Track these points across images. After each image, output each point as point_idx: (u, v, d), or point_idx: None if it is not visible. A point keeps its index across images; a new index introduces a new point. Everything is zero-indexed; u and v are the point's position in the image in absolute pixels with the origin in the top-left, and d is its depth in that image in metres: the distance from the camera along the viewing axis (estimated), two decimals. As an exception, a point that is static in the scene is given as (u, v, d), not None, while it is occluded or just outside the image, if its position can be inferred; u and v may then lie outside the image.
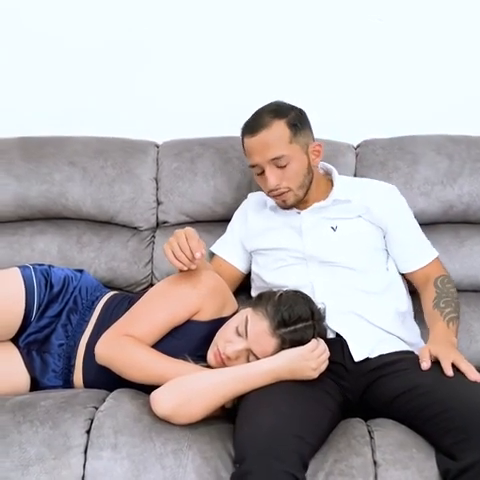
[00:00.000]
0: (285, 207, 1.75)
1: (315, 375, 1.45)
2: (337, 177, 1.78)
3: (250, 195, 1.89)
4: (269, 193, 1.72)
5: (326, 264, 1.68)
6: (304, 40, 2.15)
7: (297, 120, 1.68)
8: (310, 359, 1.44)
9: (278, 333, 1.47)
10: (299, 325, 1.48)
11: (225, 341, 1.51)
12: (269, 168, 1.66)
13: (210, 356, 1.53)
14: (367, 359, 1.57)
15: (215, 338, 1.55)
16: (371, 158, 1.95)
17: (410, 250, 1.74)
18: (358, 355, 1.56)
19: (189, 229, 1.60)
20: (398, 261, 1.74)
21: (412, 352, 1.63)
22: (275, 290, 1.56)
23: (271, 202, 1.79)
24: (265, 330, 1.48)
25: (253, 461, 1.26)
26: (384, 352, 1.58)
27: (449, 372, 1.43)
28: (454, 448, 1.32)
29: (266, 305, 1.50)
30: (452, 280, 1.70)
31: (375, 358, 1.57)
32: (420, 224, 1.87)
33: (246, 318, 1.50)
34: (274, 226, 1.77)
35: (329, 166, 1.82)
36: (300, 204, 1.75)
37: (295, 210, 1.76)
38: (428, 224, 1.93)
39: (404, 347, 1.63)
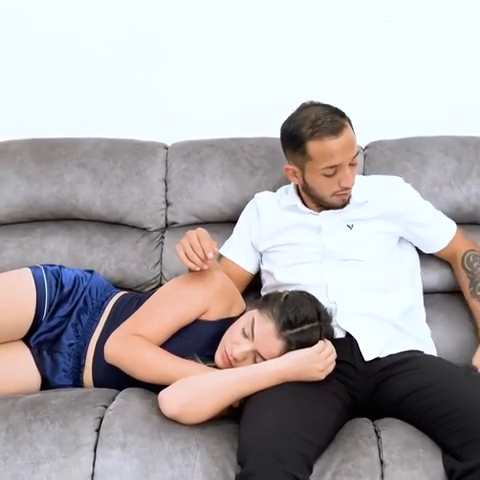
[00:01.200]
0: (343, 205, 1.74)
1: (322, 377, 1.46)
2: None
3: (257, 196, 1.88)
4: (339, 192, 1.70)
5: (342, 261, 1.70)
6: (311, 42, 2.15)
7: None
8: (317, 361, 1.45)
9: (284, 335, 1.48)
10: (305, 326, 1.48)
11: (232, 343, 1.52)
12: (350, 167, 1.67)
13: (218, 357, 1.54)
14: (377, 359, 1.57)
15: (222, 339, 1.56)
16: (379, 159, 1.95)
17: (432, 231, 1.78)
18: (368, 355, 1.56)
19: (201, 230, 1.61)
20: (424, 244, 1.80)
21: (421, 351, 1.63)
22: (281, 291, 1.56)
23: (285, 201, 1.79)
24: (271, 332, 1.48)
25: (256, 462, 1.27)
26: (394, 352, 1.59)
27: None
28: (461, 449, 1.32)
29: (272, 307, 1.51)
30: (478, 253, 1.76)
31: (385, 358, 1.57)
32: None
33: (252, 320, 1.51)
34: (291, 224, 1.77)
35: None
36: (319, 206, 1.76)
37: (309, 211, 1.76)
38: (436, 226, 1.93)
39: (414, 346, 1.63)
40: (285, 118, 1.72)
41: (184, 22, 2.18)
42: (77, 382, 1.67)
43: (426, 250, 1.82)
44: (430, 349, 1.70)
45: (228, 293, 1.65)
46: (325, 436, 1.40)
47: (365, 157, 1.98)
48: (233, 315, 1.63)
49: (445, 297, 1.89)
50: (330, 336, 1.54)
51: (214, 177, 1.97)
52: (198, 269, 1.57)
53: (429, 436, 1.41)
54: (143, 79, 2.21)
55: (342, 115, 1.67)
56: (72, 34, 2.20)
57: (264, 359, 1.49)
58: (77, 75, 2.22)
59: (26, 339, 1.67)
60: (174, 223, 2.02)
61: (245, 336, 1.51)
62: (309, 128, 1.64)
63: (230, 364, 1.51)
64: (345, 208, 1.74)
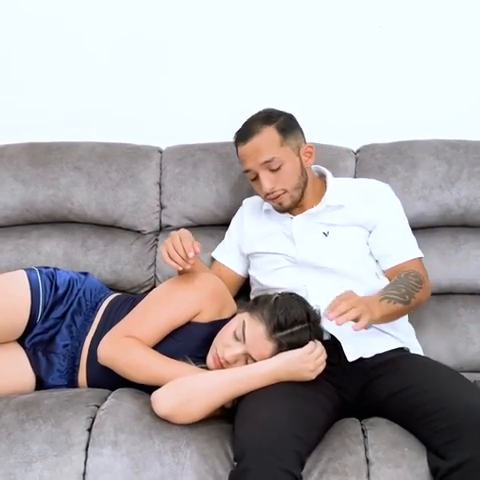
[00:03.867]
0: (282, 210, 1.76)
1: (313, 376, 1.47)
2: (330, 180, 1.79)
3: (245, 201, 1.91)
4: (265, 197, 1.73)
5: (318, 269, 1.69)
6: (305, 47, 2.17)
7: (286, 124, 1.72)
8: (308, 361, 1.46)
9: (275, 337, 1.49)
10: (295, 328, 1.49)
11: (223, 345, 1.53)
12: (262, 172, 1.69)
13: (209, 360, 1.55)
14: (362, 359, 1.58)
15: (214, 342, 1.57)
16: (370, 162, 1.96)
17: (391, 247, 1.73)
18: (351, 356, 1.58)
19: (183, 231, 1.63)
20: (379, 258, 1.74)
21: (407, 350, 1.65)
22: (271, 293, 1.57)
23: (266, 205, 1.81)
24: (262, 334, 1.49)
25: (252, 458, 1.28)
26: (379, 351, 1.60)
27: (356, 327, 1.42)
28: (444, 447, 1.33)
29: (262, 309, 1.52)
30: (422, 279, 1.66)
31: (370, 358, 1.59)
32: (418, 228, 1.90)
33: (243, 322, 1.52)
34: (268, 232, 1.79)
35: (323, 169, 1.83)
36: (296, 208, 1.76)
37: (289, 215, 1.77)
38: (426, 228, 1.95)
39: (398, 344, 1.64)
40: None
41: (180, 28, 2.19)
42: (72, 382, 1.68)
43: (381, 265, 1.75)
44: (415, 348, 1.71)
45: (220, 295, 1.66)
46: (316, 434, 1.41)
47: (357, 160, 1.99)
48: (225, 317, 1.64)
49: (435, 299, 1.90)
50: (320, 337, 1.55)
51: (208, 180, 1.98)
52: (180, 268, 1.59)
53: (414, 435, 1.42)
54: (138, 84, 2.23)
55: (265, 121, 1.71)
56: (69, 39, 2.22)
57: (255, 361, 1.50)
58: (73, 80, 2.24)
59: (21, 340, 1.68)
60: (168, 226, 2.03)
61: (236, 339, 1.52)
62: (235, 137, 1.76)
63: (221, 367, 1.52)
64: (316, 210, 1.74)
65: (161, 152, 2.07)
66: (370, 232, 1.74)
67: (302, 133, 1.77)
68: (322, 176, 1.83)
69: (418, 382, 1.47)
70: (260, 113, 1.75)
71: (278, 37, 2.17)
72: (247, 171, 1.73)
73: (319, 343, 1.51)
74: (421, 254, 1.75)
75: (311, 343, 1.49)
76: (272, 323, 1.49)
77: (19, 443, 1.44)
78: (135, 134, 2.12)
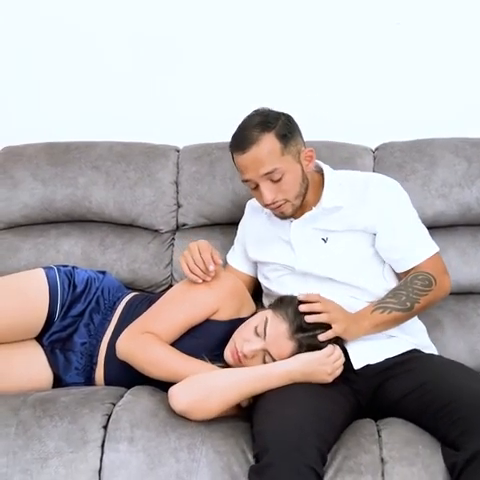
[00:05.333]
0: (283, 218, 1.69)
1: (329, 380, 1.47)
2: (328, 179, 1.70)
3: (249, 202, 1.86)
4: (266, 207, 1.66)
5: (318, 278, 1.65)
6: (324, 44, 2.16)
7: (286, 129, 1.61)
8: (326, 364, 1.46)
9: (296, 337, 1.49)
10: (318, 331, 1.49)
11: (243, 340, 1.53)
12: (263, 183, 1.60)
13: (227, 353, 1.56)
14: (370, 364, 1.57)
15: (234, 335, 1.57)
16: (389, 160, 1.94)
17: (401, 251, 1.66)
18: (357, 363, 1.56)
19: (202, 242, 1.63)
20: (390, 262, 1.68)
21: (419, 351, 1.62)
22: (297, 294, 1.57)
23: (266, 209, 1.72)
24: (284, 333, 1.49)
25: (276, 453, 1.28)
26: (389, 356, 1.58)
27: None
28: (460, 439, 1.32)
29: (287, 308, 1.52)
30: (432, 281, 1.61)
31: (382, 361, 1.57)
32: (438, 227, 1.88)
33: (266, 319, 1.52)
34: (268, 238, 1.74)
35: (321, 165, 1.74)
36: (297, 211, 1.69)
37: (288, 219, 1.70)
38: (446, 226, 1.93)
39: (409, 346, 1.62)
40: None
41: (196, 26, 2.20)
42: (89, 380, 1.69)
43: (394, 268, 1.71)
44: (427, 347, 1.68)
45: (238, 294, 1.67)
46: (335, 433, 1.42)
47: (375, 159, 1.98)
48: (243, 316, 1.64)
49: (455, 298, 1.88)
50: (339, 341, 1.55)
51: (224, 179, 1.98)
52: (200, 281, 1.60)
53: (431, 432, 1.41)
54: (156, 84, 2.23)
55: (264, 128, 1.59)
56: (87, 40, 2.23)
57: (273, 359, 1.50)
58: (92, 80, 2.25)
59: (39, 338, 1.70)
60: (184, 225, 2.03)
61: (257, 334, 1.52)
62: (230, 143, 1.66)
63: (239, 361, 1.52)
64: (314, 214, 1.67)
65: (178, 151, 2.08)
66: (374, 234, 1.67)
67: (301, 136, 1.66)
68: (320, 171, 1.74)
69: (430, 379, 1.46)
70: (255, 116, 1.64)
71: (294, 36, 2.17)
72: (246, 181, 1.63)
73: (338, 347, 1.51)
74: (435, 249, 1.68)
75: (330, 346, 1.49)
76: (295, 323, 1.49)
77: (35, 439, 1.45)
78: (153, 133, 2.13)
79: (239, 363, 1.52)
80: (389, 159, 1.95)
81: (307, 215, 1.68)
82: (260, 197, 1.64)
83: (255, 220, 1.80)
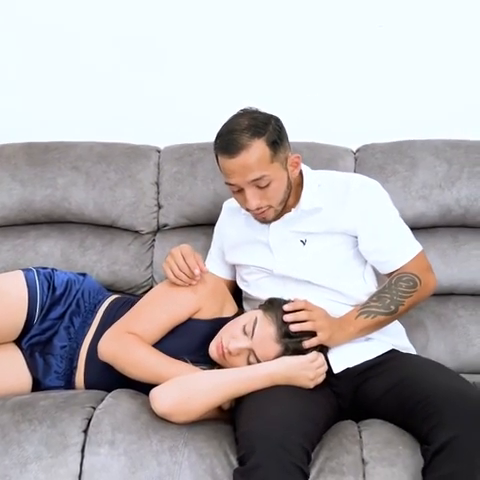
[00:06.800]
0: (264, 222, 1.67)
1: (311, 385, 1.47)
2: (307, 180, 1.67)
3: (225, 204, 1.84)
4: (248, 211, 1.63)
5: (296, 281, 1.64)
6: (304, 46, 2.17)
7: (276, 135, 1.57)
8: (309, 369, 1.47)
9: (283, 341, 1.49)
10: (305, 338, 1.50)
11: (230, 336, 1.53)
12: (249, 189, 1.56)
13: (212, 347, 1.55)
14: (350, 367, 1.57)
15: (220, 331, 1.57)
16: (370, 162, 1.95)
17: (384, 254, 1.64)
18: (336, 367, 1.56)
19: (184, 246, 1.63)
20: (374, 264, 1.68)
21: (397, 351, 1.62)
22: (286, 299, 1.57)
23: (244, 210, 1.68)
24: (271, 335, 1.50)
25: (264, 454, 1.28)
26: (368, 358, 1.58)
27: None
28: (431, 432, 1.33)
29: (277, 311, 1.52)
30: (417, 282, 1.60)
31: (361, 363, 1.57)
32: (418, 228, 1.88)
33: (255, 319, 1.52)
34: (246, 240, 1.73)
35: (302, 165, 1.69)
36: None
37: (260, 223, 1.68)
38: (426, 228, 1.94)
39: (387, 347, 1.61)
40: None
41: (178, 27, 2.19)
42: (69, 384, 1.67)
43: (378, 270, 1.70)
44: (406, 349, 1.68)
45: (220, 292, 1.67)
46: (318, 433, 1.42)
47: (356, 160, 1.99)
48: (226, 315, 1.64)
49: (435, 300, 1.89)
50: (324, 350, 1.55)
51: (205, 180, 1.97)
52: (187, 286, 1.60)
53: (409, 430, 1.43)
54: (137, 84, 2.22)
55: (254, 133, 1.54)
56: (67, 38, 2.22)
57: (258, 359, 1.50)
58: (71, 80, 2.24)
59: (18, 341, 1.68)
60: (165, 225, 2.02)
61: (245, 333, 1.52)
62: (216, 139, 1.60)
63: (223, 356, 1.52)
64: (293, 216, 1.65)
65: (159, 152, 2.07)
66: (355, 237, 1.65)
67: (288, 140, 1.62)
68: (299, 171, 1.69)
69: (408, 376, 1.47)
70: (243, 118, 1.58)
71: (278, 37, 2.17)
72: (230, 184, 1.59)
73: (321, 355, 1.51)
74: (419, 248, 1.66)
75: (314, 352, 1.50)
76: (284, 328, 1.49)
77: (14, 444, 1.43)
78: (133, 134, 2.12)
79: (223, 359, 1.53)
80: (370, 160, 1.96)
81: (286, 217, 1.66)
82: (243, 201, 1.61)
83: (232, 222, 1.78)
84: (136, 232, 2.03)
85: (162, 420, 1.44)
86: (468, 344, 1.86)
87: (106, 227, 2.04)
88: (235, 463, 1.37)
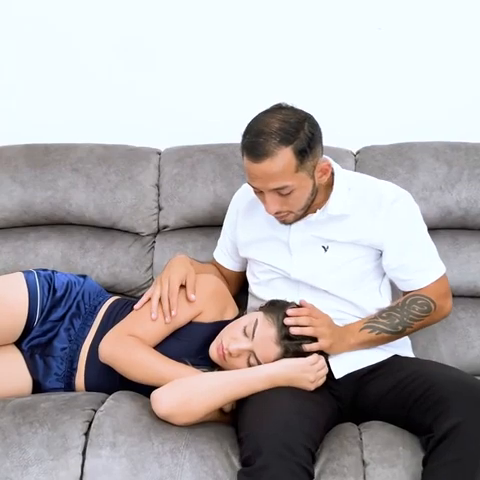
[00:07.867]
0: (284, 224, 1.61)
1: (311, 388, 1.47)
2: (338, 183, 1.60)
3: (238, 195, 1.79)
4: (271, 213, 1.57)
5: (312, 288, 1.61)
6: (305, 48, 2.17)
7: (306, 143, 1.47)
8: (309, 371, 1.47)
9: (283, 343, 1.49)
10: (305, 340, 1.50)
11: (231, 338, 1.53)
12: (270, 195, 1.51)
13: (212, 349, 1.56)
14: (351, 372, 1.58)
15: (221, 332, 1.57)
16: (370, 164, 1.95)
17: (408, 273, 1.60)
18: (338, 373, 1.56)
19: (174, 286, 1.61)
20: (395, 280, 1.65)
21: (398, 355, 1.62)
22: (289, 301, 1.57)
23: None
24: (271, 337, 1.50)
25: (270, 455, 1.28)
26: (370, 363, 1.58)
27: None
28: (435, 422, 1.34)
29: (278, 313, 1.52)
30: (432, 307, 1.57)
31: (361, 369, 1.57)
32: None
33: (256, 320, 1.52)
34: (264, 236, 1.67)
35: (333, 164, 1.62)
36: None
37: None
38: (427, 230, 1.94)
39: (389, 353, 1.61)
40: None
41: (177, 28, 2.20)
42: (69, 386, 1.67)
43: (398, 287, 1.67)
44: (406, 353, 1.67)
45: (220, 296, 1.67)
46: (320, 433, 1.43)
47: (356, 162, 1.99)
48: (227, 318, 1.64)
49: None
50: (325, 353, 1.55)
51: (205, 181, 1.97)
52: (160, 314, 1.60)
53: (409, 427, 1.43)
54: (137, 85, 2.22)
55: (282, 140, 1.45)
56: (67, 40, 2.22)
57: (258, 361, 1.50)
58: (72, 82, 2.24)
59: (18, 343, 1.67)
60: (165, 227, 2.02)
61: (245, 334, 1.52)
62: (244, 133, 1.52)
63: (223, 358, 1.52)
64: (317, 218, 1.59)
65: (159, 154, 2.07)
66: (380, 251, 1.61)
67: (321, 144, 1.54)
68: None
69: (407, 375, 1.48)
70: (275, 119, 1.48)
71: (278, 39, 2.17)
72: (252, 186, 1.54)
73: (322, 357, 1.51)
74: (443, 270, 1.62)
75: (315, 355, 1.50)
76: (284, 331, 1.49)
77: (15, 447, 1.43)
78: (134, 136, 2.12)
79: (223, 360, 1.53)
80: (370, 162, 1.96)
81: (310, 218, 1.60)
82: (263, 203, 1.56)
83: (248, 216, 1.72)
84: (136, 234, 2.03)
85: (163, 422, 1.44)
86: (468, 346, 1.86)
87: (106, 229, 2.04)
88: (237, 464, 1.37)
